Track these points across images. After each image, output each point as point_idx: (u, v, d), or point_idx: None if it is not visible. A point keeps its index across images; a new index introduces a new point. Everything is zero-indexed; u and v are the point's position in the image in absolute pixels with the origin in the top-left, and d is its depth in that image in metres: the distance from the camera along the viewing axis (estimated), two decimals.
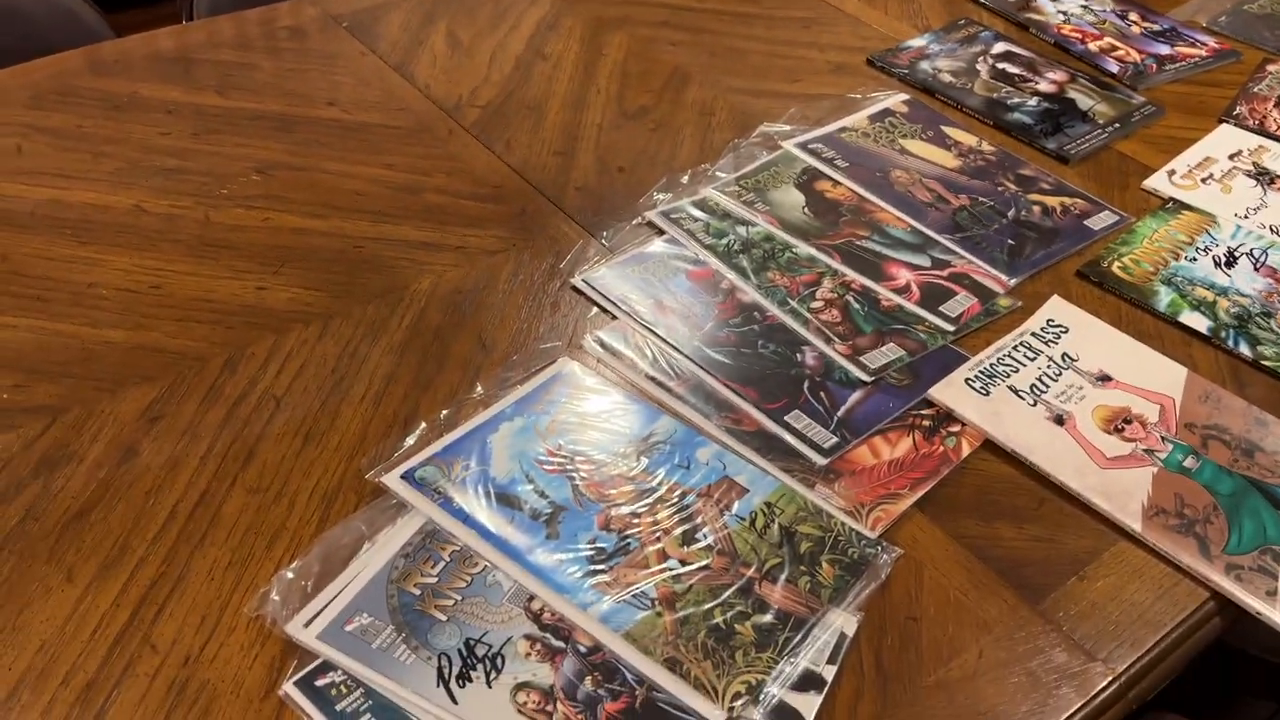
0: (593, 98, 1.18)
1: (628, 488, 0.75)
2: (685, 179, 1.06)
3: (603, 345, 0.87)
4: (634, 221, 1.00)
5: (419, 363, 0.84)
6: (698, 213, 1.01)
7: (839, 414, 0.82)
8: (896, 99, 1.20)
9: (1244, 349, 0.91)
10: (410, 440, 0.77)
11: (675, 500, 0.74)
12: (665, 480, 0.76)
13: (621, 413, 0.81)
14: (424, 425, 0.78)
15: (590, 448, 0.78)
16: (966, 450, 0.80)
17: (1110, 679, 0.67)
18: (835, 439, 0.80)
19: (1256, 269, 0.99)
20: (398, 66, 1.20)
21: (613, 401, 0.81)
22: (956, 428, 0.82)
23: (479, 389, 0.81)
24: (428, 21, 1.29)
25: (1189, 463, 0.80)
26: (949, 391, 0.84)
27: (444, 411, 0.79)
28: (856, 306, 0.92)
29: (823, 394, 0.84)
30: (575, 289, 0.92)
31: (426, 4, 1.33)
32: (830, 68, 1.26)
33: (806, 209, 1.03)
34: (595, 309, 0.90)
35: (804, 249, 0.98)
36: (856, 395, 0.84)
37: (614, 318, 0.89)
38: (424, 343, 0.86)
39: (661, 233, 0.99)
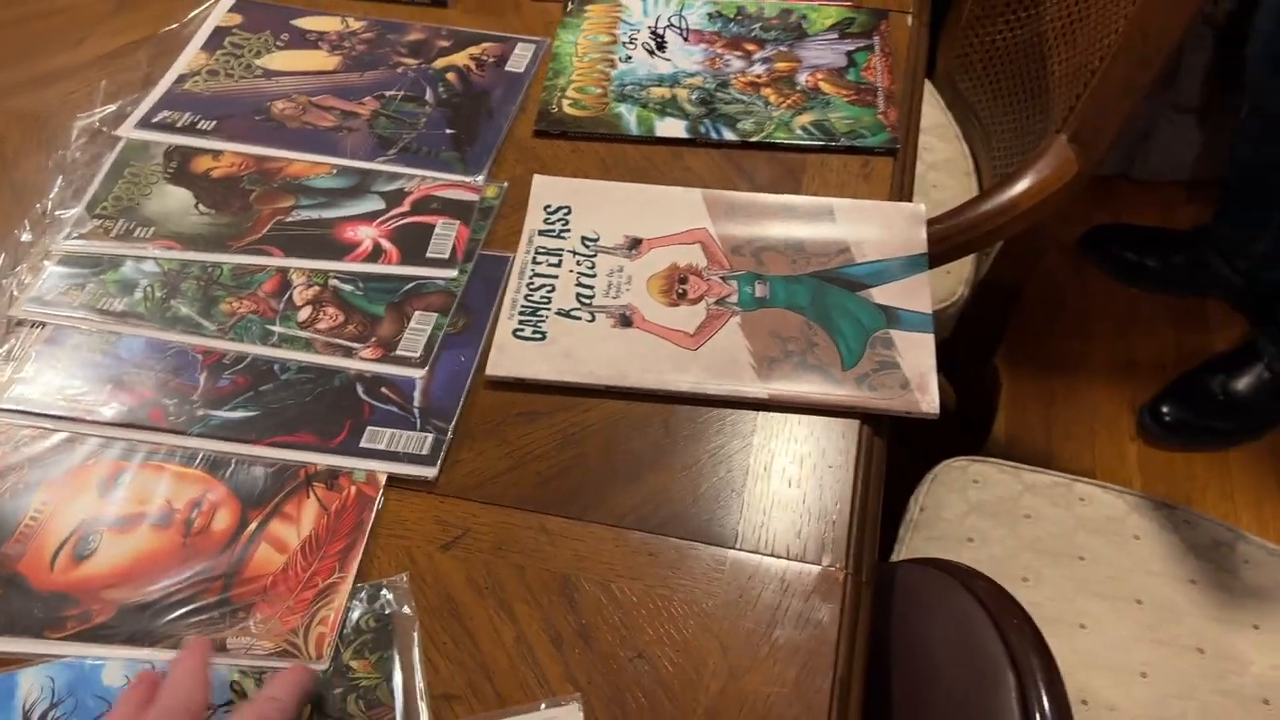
0: None
1: None
2: (25, 237, 0.76)
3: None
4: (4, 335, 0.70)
5: None
6: (74, 277, 0.73)
7: (416, 404, 0.67)
8: (221, 10, 0.94)
9: (728, 134, 0.83)
10: None
11: None
12: None
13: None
14: None
15: None
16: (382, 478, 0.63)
17: (842, 572, 0.60)
18: (430, 434, 0.65)
19: (685, 39, 0.91)
20: None
21: None
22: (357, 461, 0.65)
23: None
24: None
25: (760, 291, 0.72)
26: (508, 359, 0.69)
27: None
28: (349, 288, 0.73)
29: (384, 389, 0.67)
30: None
31: None
32: (112, 6, 0.95)
33: (200, 207, 0.78)
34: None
35: (234, 259, 0.74)
36: (421, 372, 0.68)
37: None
38: None
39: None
